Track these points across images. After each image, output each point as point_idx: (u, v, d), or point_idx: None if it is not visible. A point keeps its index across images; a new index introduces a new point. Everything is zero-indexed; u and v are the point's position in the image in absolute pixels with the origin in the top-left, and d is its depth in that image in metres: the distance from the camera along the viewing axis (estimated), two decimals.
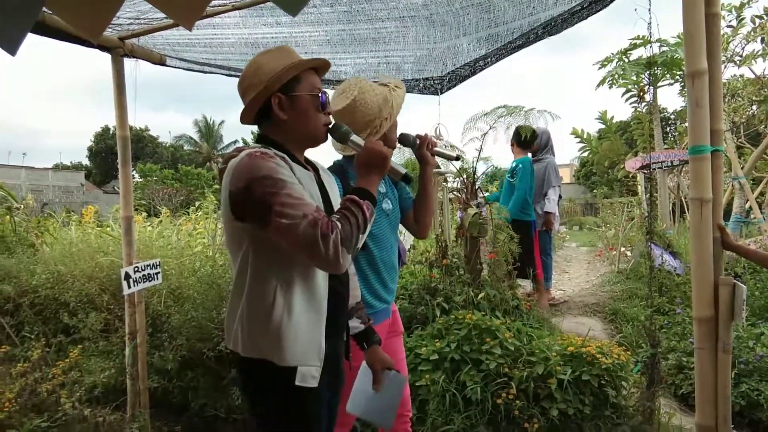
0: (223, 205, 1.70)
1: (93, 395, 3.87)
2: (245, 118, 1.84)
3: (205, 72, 3.80)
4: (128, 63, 3.61)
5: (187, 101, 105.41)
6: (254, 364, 1.71)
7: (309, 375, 1.72)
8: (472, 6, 2.76)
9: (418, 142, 2.41)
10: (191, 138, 50.25)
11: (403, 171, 2.01)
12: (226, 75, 3.83)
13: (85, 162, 51.38)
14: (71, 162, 53.86)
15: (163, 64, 3.74)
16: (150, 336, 4.02)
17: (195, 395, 3.91)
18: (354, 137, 1.86)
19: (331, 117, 1.88)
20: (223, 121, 51.74)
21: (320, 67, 1.88)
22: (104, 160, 46.26)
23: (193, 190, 25.90)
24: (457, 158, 2.88)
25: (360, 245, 1.64)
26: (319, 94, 1.81)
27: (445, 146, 4.79)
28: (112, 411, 3.76)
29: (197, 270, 4.57)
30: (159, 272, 3.68)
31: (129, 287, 3.43)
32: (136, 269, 3.49)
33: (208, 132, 50.29)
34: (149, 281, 3.59)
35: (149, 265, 3.60)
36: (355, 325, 2.08)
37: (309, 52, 3.48)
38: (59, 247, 5.57)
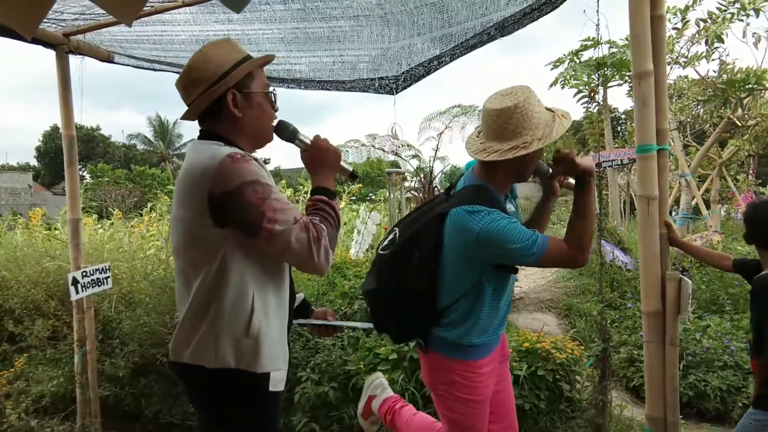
0: (190, 209, 1.59)
1: (40, 405, 3.73)
2: (192, 114, 1.73)
3: (155, 70, 3.70)
4: (74, 60, 3.50)
5: (144, 100, 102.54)
6: (224, 375, 1.61)
7: (279, 379, 1.69)
8: (426, 6, 2.77)
9: (550, 172, 2.17)
10: (146, 137, 49.05)
11: (350, 169, 1.89)
12: (177, 73, 3.73)
13: (34, 162, 49.56)
14: (18, 162, 51.80)
15: (110, 61, 3.63)
16: (100, 342, 3.90)
17: (148, 402, 3.82)
18: (301, 136, 1.78)
19: (277, 114, 1.80)
20: (178, 120, 50.57)
21: (266, 63, 1.82)
22: (53, 160, 44.68)
23: (146, 191, 25.30)
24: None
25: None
26: (272, 93, 1.77)
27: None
28: (61, 421, 3.63)
29: (149, 274, 4.45)
30: (108, 276, 3.57)
31: (77, 293, 3.32)
32: (84, 274, 3.38)
33: (163, 131, 49.14)
34: (98, 286, 3.48)
35: (98, 269, 3.49)
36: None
37: (262, 50, 3.42)
38: (3, 251, 5.34)
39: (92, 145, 43.56)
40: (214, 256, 1.59)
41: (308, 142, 1.77)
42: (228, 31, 3.18)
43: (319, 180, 1.71)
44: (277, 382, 1.68)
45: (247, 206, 1.52)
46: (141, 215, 8.26)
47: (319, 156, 1.74)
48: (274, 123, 1.78)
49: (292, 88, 3.66)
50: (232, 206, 1.53)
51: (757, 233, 2.40)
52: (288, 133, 1.77)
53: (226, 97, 1.66)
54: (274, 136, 1.80)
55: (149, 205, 7.84)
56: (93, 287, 3.45)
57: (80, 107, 3.54)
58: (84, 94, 3.57)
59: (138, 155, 47.41)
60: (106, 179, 29.35)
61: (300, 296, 2.11)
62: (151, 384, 3.85)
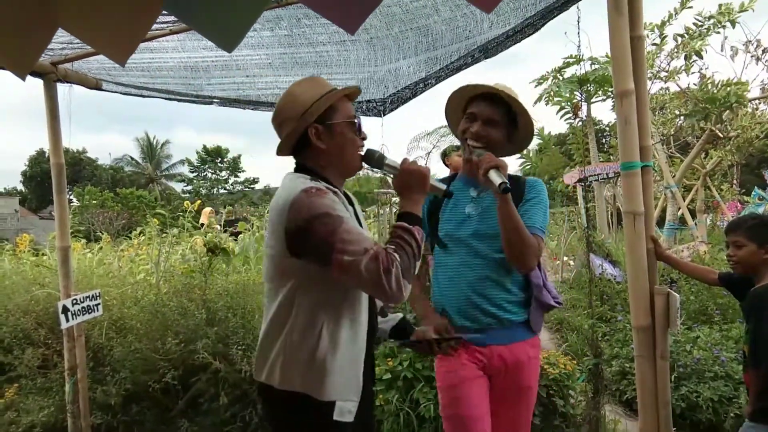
0: (275, 240, 1.69)
1: None
2: (283, 151, 1.86)
3: (144, 96, 3.72)
4: (62, 87, 3.51)
5: (130, 122, 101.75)
6: (291, 397, 1.69)
7: (346, 410, 1.71)
8: (411, 30, 2.82)
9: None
10: (132, 159, 48.86)
11: (443, 187, 1.88)
12: (166, 99, 3.76)
13: (20, 187, 49.18)
14: (5, 188, 51.33)
15: (98, 88, 3.64)
16: (91, 370, 3.85)
17: (141, 429, 3.78)
18: (389, 161, 1.82)
19: (365, 143, 1.87)
20: (167, 140, 50.64)
21: (353, 94, 1.91)
22: (40, 184, 44.43)
23: (134, 213, 25.15)
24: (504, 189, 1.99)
25: (416, 273, 1.63)
26: (355, 120, 1.82)
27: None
28: None
29: (140, 299, 4.42)
30: (99, 303, 3.55)
31: (67, 321, 3.29)
32: (74, 302, 3.35)
33: (151, 152, 49.00)
34: (89, 313, 3.46)
35: (88, 296, 3.47)
36: (384, 319, 2.09)
37: (250, 75, 3.46)
38: None
39: (79, 169, 43.33)
40: (290, 283, 1.70)
41: (397, 166, 1.79)
42: (216, 57, 3.21)
43: (405, 204, 1.73)
44: (344, 413, 1.70)
45: (316, 239, 1.58)
46: (129, 238, 8.20)
47: (404, 179, 1.76)
48: (363, 151, 1.85)
49: None
50: (304, 239, 1.61)
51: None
52: (375, 160, 1.83)
53: (309, 131, 1.75)
54: (364, 164, 1.88)
55: (138, 228, 7.76)
56: (83, 315, 3.42)
57: (68, 135, 3.55)
58: (71, 119, 3.59)
59: (126, 177, 47.16)
60: (94, 201, 29.08)
61: (397, 316, 2.13)
62: (143, 411, 3.81)
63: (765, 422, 2.32)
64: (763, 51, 8.96)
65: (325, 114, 1.76)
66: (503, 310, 2.19)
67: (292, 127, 1.77)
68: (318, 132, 1.76)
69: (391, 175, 1.83)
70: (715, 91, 8.10)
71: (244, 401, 3.69)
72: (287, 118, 1.78)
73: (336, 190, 1.74)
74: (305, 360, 1.67)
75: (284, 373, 1.69)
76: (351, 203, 1.88)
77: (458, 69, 3.06)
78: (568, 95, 8.84)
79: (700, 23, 7.63)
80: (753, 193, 12.76)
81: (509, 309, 2.20)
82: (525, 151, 14.52)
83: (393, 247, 1.59)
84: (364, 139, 1.86)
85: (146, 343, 3.83)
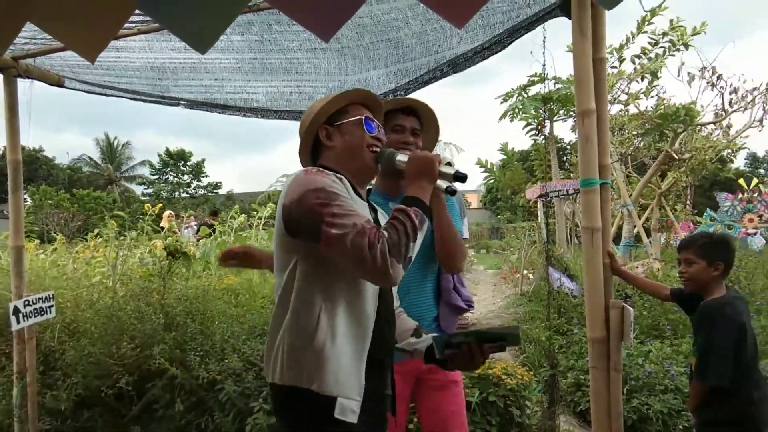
0: (277, 222, 1.70)
1: None
2: (302, 155, 1.92)
3: (107, 95, 3.65)
4: (22, 83, 3.42)
5: (91, 122, 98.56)
6: (291, 393, 1.62)
7: (349, 409, 1.61)
8: (382, 42, 2.86)
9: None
10: (91, 159, 47.51)
11: (452, 171, 1.83)
12: (131, 99, 3.70)
13: None
14: None
15: (61, 85, 3.57)
16: (41, 374, 3.74)
17: None
18: (400, 156, 1.84)
19: (379, 143, 1.86)
20: (128, 141, 49.51)
21: (367, 101, 1.92)
22: None
23: (91, 215, 24.49)
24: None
25: (412, 254, 1.57)
26: (363, 118, 1.84)
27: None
28: None
29: (95, 302, 4.30)
30: (52, 305, 3.45)
31: (18, 322, 3.20)
32: (26, 303, 3.26)
33: (111, 153, 47.75)
34: (41, 315, 3.36)
35: (41, 297, 3.37)
36: (419, 339, 1.92)
37: (219, 79, 3.44)
38: None
39: (35, 167, 41.93)
40: (289, 267, 1.68)
41: (406, 160, 1.81)
42: (184, 59, 3.18)
43: (409, 190, 1.72)
44: (346, 411, 1.61)
45: (307, 210, 1.59)
46: (85, 240, 7.98)
47: (412, 167, 1.77)
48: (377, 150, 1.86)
49: (248, 116, 3.67)
50: (297, 213, 1.62)
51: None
52: (385, 157, 1.85)
53: (320, 132, 1.84)
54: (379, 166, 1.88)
55: (96, 230, 7.55)
56: (35, 316, 3.33)
57: (28, 132, 3.47)
58: (31, 116, 3.50)
59: (84, 177, 45.80)
60: (49, 201, 28.13)
61: (427, 338, 1.91)
62: (94, 417, 3.71)
63: None
64: (718, 78, 9.39)
65: (335, 116, 1.84)
66: (422, 313, 2.30)
67: (305, 132, 1.86)
68: (327, 132, 1.84)
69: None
70: (668, 111, 8.42)
71: (201, 408, 3.63)
72: (302, 127, 1.87)
73: (341, 177, 1.71)
74: (305, 348, 1.61)
75: (285, 366, 1.63)
76: (372, 209, 1.89)
77: (427, 82, 3.11)
78: (533, 112, 9.07)
79: (654, 41, 7.92)
80: (705, 214, 13.24)
81: (426, 312, 2.33)
82: (489, 165, 14.74)
83: (385, 226, 1.57)
84: (380, 141, 1.87)
85: (100, 347, 3.72)
